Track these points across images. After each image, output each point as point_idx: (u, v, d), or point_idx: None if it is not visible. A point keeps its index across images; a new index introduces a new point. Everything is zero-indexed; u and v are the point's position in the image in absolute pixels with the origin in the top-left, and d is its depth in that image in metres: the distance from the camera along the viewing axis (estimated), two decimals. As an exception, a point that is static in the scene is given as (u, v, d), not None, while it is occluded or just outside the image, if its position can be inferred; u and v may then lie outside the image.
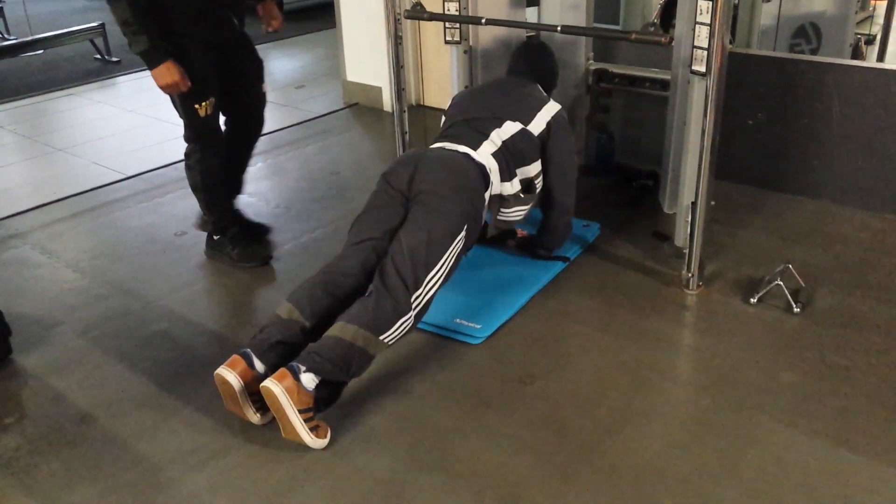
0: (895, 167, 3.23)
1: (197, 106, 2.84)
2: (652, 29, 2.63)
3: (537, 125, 2.74)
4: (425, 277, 2.29)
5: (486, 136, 2.64)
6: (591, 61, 3.72)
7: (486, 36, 3.42)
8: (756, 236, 3.17)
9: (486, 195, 2.56)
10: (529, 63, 3.04)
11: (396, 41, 3.33)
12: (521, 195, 2.73)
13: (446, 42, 3.36)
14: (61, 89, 5.86)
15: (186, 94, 2.79)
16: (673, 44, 2.81)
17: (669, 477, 1.99)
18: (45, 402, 2.41)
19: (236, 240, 3.13)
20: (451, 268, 2.39)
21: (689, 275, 2.78)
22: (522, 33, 3.55)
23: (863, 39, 4.13)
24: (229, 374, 2.12)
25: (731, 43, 3.08)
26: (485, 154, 2.59)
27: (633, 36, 2.69)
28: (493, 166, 2.60)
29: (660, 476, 1.99)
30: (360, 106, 5.19)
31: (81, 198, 3.92)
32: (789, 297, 2.66)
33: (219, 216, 3.12)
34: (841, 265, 2.93)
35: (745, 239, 3.15)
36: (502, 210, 2.72)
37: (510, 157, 2.66)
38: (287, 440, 2.12)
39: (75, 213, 3.76)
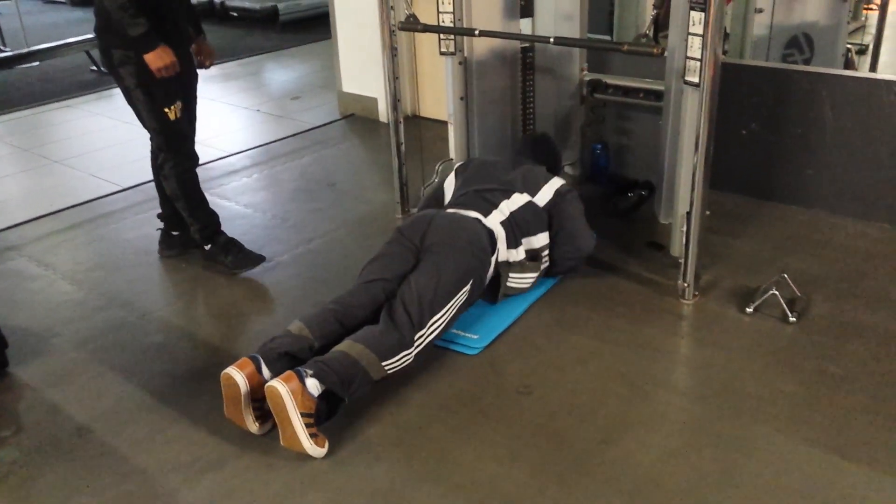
0: (889, 176, 3.25)
1: (167, 109, 2.89)
2: (644, 40, 2.65)
3: (543, 197, 2.90)
4: (429, 319, 2.39)
5: (496, 206, 2.82)
6: (586, 72, 3.74)
7: (480, 47, 3.44)
8: (751, 246, 3.19)
9: (493, 259, 2.68)
10: (534, 152, 3.26)
11: (392, 52, 3.35)
12: (527, 262, 2.83)
13: (441, 53, 3.38)
14: (57, 101, 5.88)
15: (156, 98, 2.86)
16: (666, 54, 2.83)
17: (667, 486, 1.99)
18: (41, 414, 2.40)
19: (228, 247, 3.15)
20: (452, 317, 2.50)
21: (685, 284, 2.79)
22: (517, 44, 3.57)
23: (854, 50, 4.16)
24: (237, 375, 2.15)
25: (723, 53, 3.11)
26: (493, 221, 2.76)
27: (626, 47, 2.71)
28: (500, 233, 2.75)
29: (657, 485, 2.00)
30: (356, 117, 5.21)
31: (78, 210, 3.92)
32: (785, 306, 2.67)
33: (204, 223, 3.13)
34: (836, 274, 2.95)
35: (740, 248, 3.16)
36: (511, 276, 2.79)
37: (516, 226, 2.81)
38: (284, 451, 2.12)
39: (72, 224, 3.76)
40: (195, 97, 3.18)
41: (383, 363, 2.26)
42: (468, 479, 2.04)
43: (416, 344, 2.35)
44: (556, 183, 2.95)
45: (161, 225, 3.32)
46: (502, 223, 2.77)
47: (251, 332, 2.77)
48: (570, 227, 2.90)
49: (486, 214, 2.76)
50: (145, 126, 3.00)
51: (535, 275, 2.85)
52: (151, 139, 3.04)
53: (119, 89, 2.98)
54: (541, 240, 2.87)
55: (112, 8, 2.71)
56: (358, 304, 2.44)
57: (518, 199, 2.86)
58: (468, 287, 2.54)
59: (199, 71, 3.19)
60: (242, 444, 2.20)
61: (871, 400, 2.27)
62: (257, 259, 3.18)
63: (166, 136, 2.96)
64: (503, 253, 2.76)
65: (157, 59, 2.78)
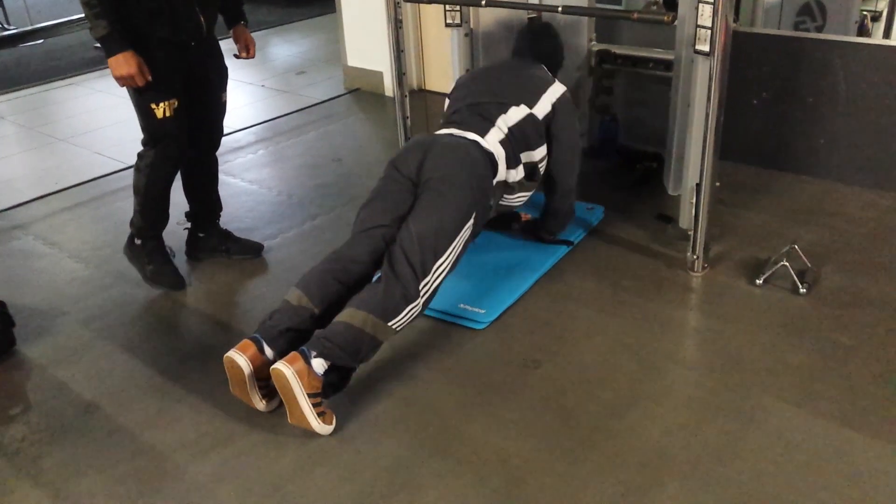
0: (902, 145, 3.20)
1: (153, 105, 2.61)
2: (654, 8, 2.60)
3: (542, 108, 2.71)
4: (433, 265, 2.29)
5: (493, 123, 2.63)
6: (594, 42, 3.68)
7: (486, 18, 3.40)
8: (761, 217, 3.15)
9: (494, 182, 2.57)
10: (533, 44, 3.00)
11: (397, 25, 3.31)
12: (525, 181, 2.73)
13: (447, 25, 3.34)
14: (62, 79, 5.85)
15: (143, 91, 2.58)
16: (676, 23, 2.78)
17: (675, 459, 1.98)
18: (49, 392, 2.41)
19: (153, 255, 2.90)
20: (458, 255, 2.39)
21: (694, 257, 2.76)
22: (524, 15, 3.52)
23: (868, 16, 4.08)
24: (239, 358, 2.13)
25: (735, 22, 3.05)
26: (492, 142, 2.59)
27: (636, 15, 2.66)
28: (500, 154, 2.60)
29: (665, 458, 1.99)
30: (362, 91, 5.17)
31: (83, 188, 3.91)
32: (795, 277, 2.64)
33: (148, 224, 2.87)
34: (847, 245, 2.91)
35: (750, 220, 3.13)
36: (505, 196, 2.71)
37: (516, 143, 2.65)
38: (292, 427, 2.12)
39: (77, 203, 3.75)
40: (216, 102, 2.89)
41: (389, 323, 2.19)
42: (475, 454, 2.04)
43: (421, 293, 2.25)
44: (556, 90, 2.75)
45: (188, 224, 3.10)
46: (501, 142, 2.60)
47: (258, 308, 2.76)
48: (561, 143, 2.75)
49: (483, 134, 2.58)
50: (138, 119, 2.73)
51: (529, 193, 2.77)
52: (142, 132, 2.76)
53: None
54: (539, 153, 2.73)
55: (80, 2, 2.43)
56: (356, 259, 2.33)
57: (516, 113, 2.66)
58: (471, 221, 2.40)
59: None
60: (250, 421, 2.20)
61: (881, 371, 2.24)
62: (177, 282, 2.90)
63: (150, 133, 2.69)
64: (502, 173, 2.61)
65: (118, 66, 2.48)
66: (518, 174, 2.69)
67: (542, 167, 2.78)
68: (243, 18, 2.93)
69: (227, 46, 2.93)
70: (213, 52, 2.82)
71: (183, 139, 2.75)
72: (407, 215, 2.37)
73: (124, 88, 2.60)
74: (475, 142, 2.55)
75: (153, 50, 2.55)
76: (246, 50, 2.97)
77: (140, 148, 2.78)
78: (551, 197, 2.89)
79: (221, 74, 2.89)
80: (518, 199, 2.77)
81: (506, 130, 2.63)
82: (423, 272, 2.26)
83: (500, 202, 2.72)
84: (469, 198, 2.41)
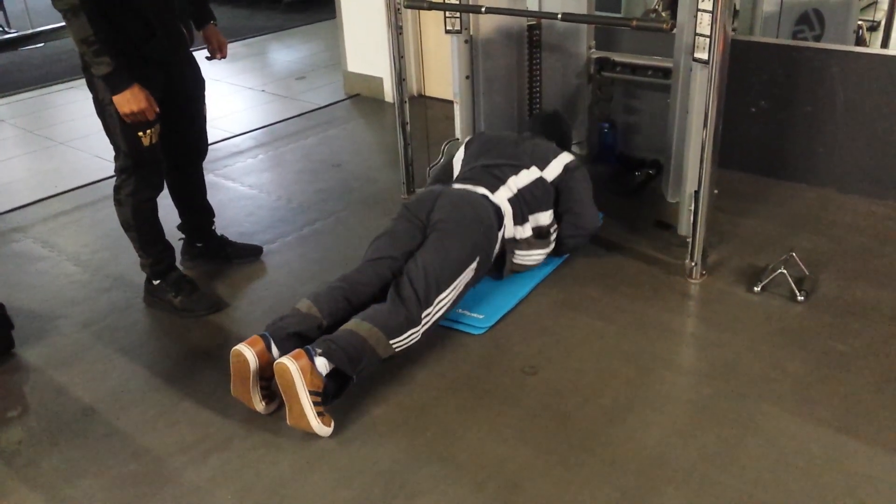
0: (899, 154, 3.21)
1: (141, 134, 2.50)
2: (653, 16, 2.62)
3: (552, 171, 2.86)
4: (436, 297, 2.39)
5: (503, 183, 2.78)
6: (593, 50, 3.70)
7: (486, 25, 3.41)
8: (759, 224, 3.16)
9: (499, 235, 2.67)
10: (544, 129, 3.21)
11: (397, 31, 3.32)
12: (534, 240, 2.81)
13: (447, 31, 3.35)
14: (62, 82, 5.86)
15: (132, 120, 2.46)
16: (675, 31, 2.79)
17: (672, 465, 1.98)
18: (47, 395, 2.41)
19: (178, 286, 2.78)
20: (459, 295, 2.49)
21: (693, 264, 2.77)
22: (523, 22, 3.53)
23: (864, 26, 4.10)
24: (248, 351, 2.15)
25: (733, 30, 3.06)
26: (501, 198, 2.73)
27: (635, 23, 2.68)
28: (507, 210, 2.72)
29: (663, 464, 1.99)
30: (362, 97, 5.18)
31: (83, 191, 3.92)
32: (793, 285, 2.65)
33: (155, 258, 2.77)
34: (845, 253, 2.92)
35: (748, 227, 3.14)
36: (517, 252, 2.78)
37: (524, 203, 2.78)
38: (291, 430, 2.12)
39: (77, 206, 3.76)
40: (198, 112, 2.81)
41: (391, 341, 2.26)
42: (473, 459, 2.04)
43: (423, 322, 2.35)
44: (565, 158, 2.91)
45: (182, 236, 3.05)
46: (510, 200, 2.74)
47: (257, 312, 2.77)
48: (577, 206, 2.88)
49: (493, 190, 2.74)
50: (112, 142, 2.60)
51: (543, 251, 2.84)
52: (115, 157, 2.62)
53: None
54: (548, 216, 2.85)
55: (74, 40, 2.30)
56: (365, 282, 2.43)
57: (526, 176, 2.82)
58: (475, 264, 2.52)
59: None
60: (248, 424, 2.20)
61: (878, 379, 2.25)
62: (215, 303, 2.80)
63: (135, 160, 2.56)
64: (510, 229, 2.74)
65: (126, 103, 2.38)
66: (525, 232, 2.79)
67: (553, 231, 2.87)
68: (212, 18, 2.85)
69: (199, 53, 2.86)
70: (191, 62, 2.75)
71: (163, 164, 2.67)
72: (415, 251, 2.48)
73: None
74: (484, 195, 2.70)
75: (139, 69, 2.43)
76: (219, 50, 2.88)
77: (114, 178, 2.66)
78: (566, 227, 2.91)
79: (200, 83, 2.80)
80: (531, 257, 2.82)
81: (515, 190, 2.77)
82: (426, 301, 2.35)
83: (514, 260, 2.78)
84: (474, 241, 2.54)
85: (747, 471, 1.95)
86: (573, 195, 2.87)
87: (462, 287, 2.49)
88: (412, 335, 2.32)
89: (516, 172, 2.81)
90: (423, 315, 2.34)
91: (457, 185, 2.78)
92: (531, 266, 2.83)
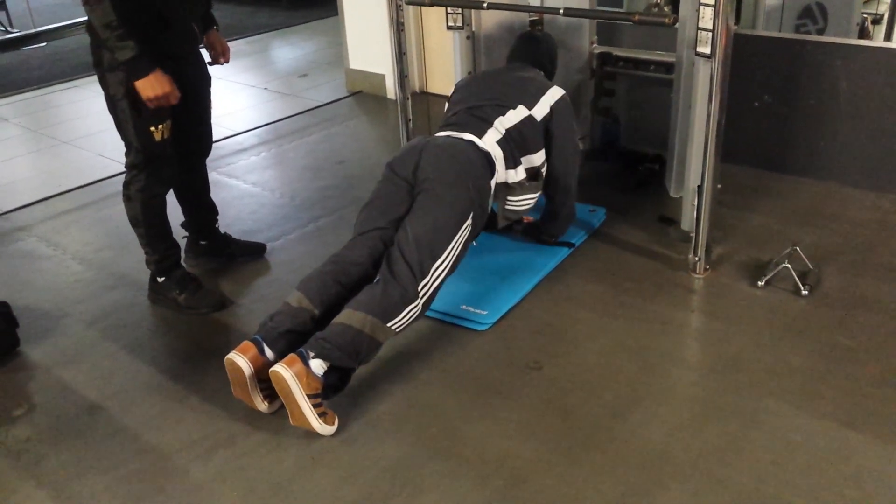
0: (903, 147, 3.20)
1: (153, 129, 2.51)
2: (655, 10, 2.61)
3: (540, 109, 2.73)
4: (431, 266, 2.29)
5: (490, 124, 2.64)
6: (595, 45, 3.69)
7: (488, 21, 3.40)
8: (763, 219, 3.15)
9: (492, 183, 2.57)
10: (530, 50, 3.04)
11: (399, 28, 3.31)
12: (527, 183, 2.73)
13: (448, 28, 3.35)
14: (65, 81, 5.87)
15: (144, 114, 2.48)
16: (677, 25, 2.78)
17: (677, 460, 1.98)
18: (53, 393, 2.42)
19: (183, 283, 2.79)
20: (457, 256, 2.39)
21: (696, 258, 2.76)
22: (525, 17, 3.52)
23: (869, 19, 4.08)
24: (240, 360, 2.13)
25: (735, 24, 3.05)
26: (489, 142, 2.59)
27: (637, 17, 2.67)
28: (497, 154, 2.60)
29: (667, 459, 1.99)
30: (364, 94, 5.18)
31: (87, 190, 3.93)
32: (797, 279, 2.64)
33: (162, 255, 2.77)
34: (849, 246, 2.92)
35: (751, 222, 3.13)
36: (509, 199, 2.72)
37: (514, 144, 2.66)
38: (294, 427, 2.13)
39: (81, 205, 3.77)
40: (205, 108, 2.84)
41: (388, 324, 2.19)
42: (477, 456, 2.04)
43: (420, 294, 2.25)
44: (555, 93, 2.76)
45: (186, 234, 3.05)
46: (499, 142, 2.60)
47: (261, 309, 2.76)
48: (560, 144, 2.75)
49: (480, 135, 2.58)
50: (123, 138, 2.61)
51: (535, 195, 2.76)
52: (126, 153, 2.63)
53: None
54: (541, 157, 2.74)
55: (97, 25, 2.31)
56: (356, 261, 2.34)
57: (514, 115, 2.66)
58: (469, 221, 2.41)
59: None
60: (252, 421, 2.21)
61: (883, 373, 2.25)
62: (219, 301, 2.80)
63: (146, 156, 2.57)
64: (501, 174, 2.61)
65: (150, 87, 2.38)
66: (518, 175, 2.68)
67: (543, 170, 2.79)
68: (215, 23, 2.85)
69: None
70: (199, 60, 2.78)
71: (174, 159, 2.68)
72: (405, 217, 2.38)
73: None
74: (471, 142, 2.56)
75: (157, 64, 2.44)
76: (222, 55, 2.88)
77: (124, 173, 2.68)
78: (551, 199, 2.90)
79: (207, 80, 2.83)
80: (523, 202, 2.76)
81: (503, 131, 2.64)
82: (421, 273, 2.26)
83: (506, 206, 2.72)
84: (465, 198, 2.42)
85: (752, 465, 1.95)
86: (557, 139, 2.75)
87: (459, 247, 2.38)
88: (412, 311, 2.24)
89: (503, 113, 2.66)
90: (419, 288, 2.25)
91: (441, 134, 2.62)
92: (523, 211, 2.76)
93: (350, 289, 2.29)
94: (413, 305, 2.24)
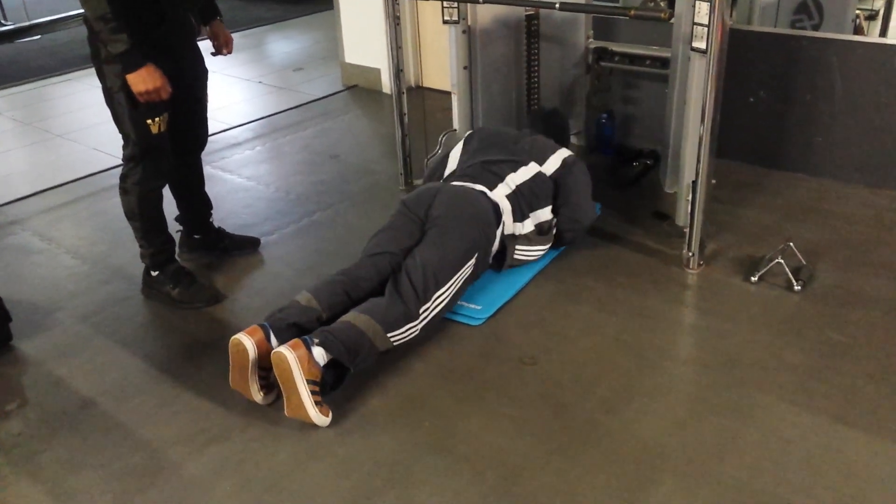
0: (897, 143, 3.21)
1: (150, 121, 2.50)
2: (651, 5, 2.61)
3: (551, 166, 2.88)
4: (434, 293, 2.40)
5: (502, 179, 2.79)
6: (591, 40, 3.69)
7: (484, 15, 3.40)
8: (757, 214, 3.16)
9: (498, 232, 2.68)
10: (543, 125, 3.26)
11: (394, 22, 3.31)
12: (534, 236, 2.82)
13: (444, 22, 3.34)
14: (59, 74, 5.84)
15: (141, 107, 2.47)
16: (673, 21, 2.78)
17: (670, 455, 1.99)
18: (46, 388, 2.41)
19: (177, 277, 2.79)
20: (457, 291, 2.50)
21: (690, 254, 2.77)
22: (521, 11, 3.52)
23: (862, 16, 4.09)
24: (247, 340, 2.15)
25: (731, 19, 3.05)
26: (499, 195, 2.74)
27: (633, 12, 2.67)
28: (506, 207, 2.73)
29: (661, 454, 1.99)
30: (359, 88, 5.17)
31: (81, 183, 3.91)
32: (790, 275, 2.65)
33: (157, 248, 2.77)
34: (842, 242, 2.92)
35: (746, 217, 3.14)
36: (518, 248, 2.78)
37: (523, 199, 2.79)
38: (289, 422, 2.13)
39: (75, 199, 3.75)
40: (201, 101, 2.82)
41: (389, 335, 2.26)
42: (472, 450, 2.04)
43: (421, 317, 2.35)
44: (563, 153, 2.93)
45: (180, 228, 3.05)
46: (508, 196, 2.75)
47: (255, 304, 2.77)
48: (573, 198, 2.88)
49: (491, 188, 2.74)
50: (120, 130, 2.59)
51: (543, 247, 2.84)
52: (124, 146, 2.62)
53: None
54: (549, 212, 2.86)
55: (91, 18, 2.31)
56: (364, 277, 2.44)
57: (525, 172, 2.83)
58: (472, 261, 2.53)
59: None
60: (247, 415, 2.21)
61: (876, 369, 2.25)
62: (214, 295, 2.80)
63: (142, 148, 2.56)
64: (509, 226, 2.75)
65: (141, 81, 2.38)
66: (526, 228, 2.80)
67: (553, 226, 2.87)
68: (219, 14, 2.84)
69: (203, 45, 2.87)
70: (196, 51, 2.76)
71: (170, 152, 2.66)
72: (413, 248, 2.49)
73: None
74: (482, 192, 2.71)
75: (150, 58, 2.43)
76: (225, 46, 2.87)
77: (121, 166, 2.66)
78: (561, 236, 2.92)
79: (204, 73, 2.81)
80: (532, 252, 2.83)
81: (513, 187, 2.78)
82: (424, 297, 2.36)
83: (515, 256, 2.79)
84: (472, 238, 2.55)
85: (745, 460, 1.96)
86: (570, 188, 2.87)
87: (461, 283, 2.50)
88: (410, 330, 2.33)
89: (515, 169, 2.83)
90: (421, 311, 2.35)
91: (455, 182, 2.78)
92: (531, 261, 2.84)
93: (356, 301, 2.38)
94: (413, 324, 2.33)
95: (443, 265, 2.44)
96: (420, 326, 2.36)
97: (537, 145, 2.95)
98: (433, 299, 2.39)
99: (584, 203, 2.91)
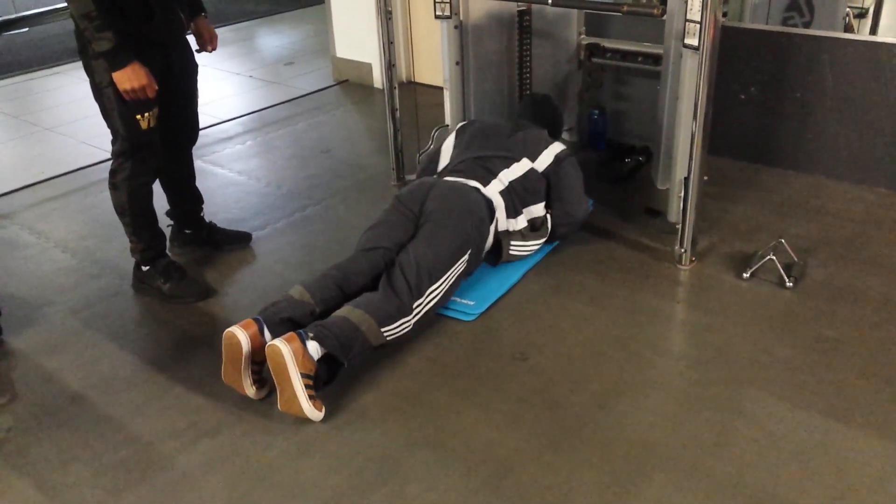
0: (888, 141, 3.22)
1: (139, 117, 2.50)
2: (644, 1, 2.61)
3: (543, 162, 2.87)
4: (428, 288, 2.40)
5: (495, 176, 2.79)
6: (583, 36, 3.69)
7: (476, 10, 3.39)
8: (749, 211, 3.17)
9: (491, 228, 2.68)
10: (535, 113, 3.22)
11: (386, 16, 3.30)
12: (528, 232, 2.83)
13: (436, 17, 3.32)
14: (48, 67, 5.80)
15: (130, 103, 2.46)
16: (665, 17, 2.78)
17: (661, 450, 2.00)
18: (36, 382, 2.40)
19: (167, 272, 2.77)
20: (450, 287, 2.50)
21: (682, 250, 2.77)
22: (513, 7, 3.51)
23: (851, 14, 4.10)
24: (241, 333, 2.15)
25: (723, 16, 3.06)
26: (492, 191, 2.75)
27: (625, 8, 2.67)
28: (499, 203, 2.74)
29: (652, 449, 2.00)
30: (351, 83, 5.15)
31: (70, 177, 3.89)
32: (782, 271, 2.66)
33: (148, 243, 2.76)
34: (833, 239, 2.94)
35: (737, 214, 3.15)
36: (513, 243, 2.79)
37: (516, 196, 2.80)
38: (281, 416, 2.12)
39: (64, 192, 3.73)
40: (192, 96, 2.82)
41: (382, 329, 2.26)
42: (464, 445, 2.05)
43: (414, 312, 2.35)
44: (555, 148, 2.93)
45: (171, 222, 3.04)
46: (501, 193, 2.76)
47: (246, 299, 2.76)
48: (566, 194, 2.89)
49: (485, 184, 2.74)
50: (109, 126, 2.58)
51: (537, 242, 2.85)
52: (113, 142, 2.61)
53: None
54: (542, 208, 2.87)
55: (76, 15, 2.29)
56: (358, 271, 2.44)
57: (517, 168, 2.83)
58: (466, 256, 2.53)
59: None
60: (239, 410, 2.20)
61: (867, 364, 2.27)
62: (203, 290, 2.79)
63: (132, 143, 2.55)
64: (503, 222, 2.75)
65: (127, 79, 2.38)
66: (519, 224, 2.81)
67: (547, 221, 2.88)
68: (203, 10, 2.82)
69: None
70: (186, 46, 2.75)
71: (160, 147, 2.64)
72: (407, 243, 2.49)
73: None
74: (476, 188, 2.71)
75: (137, 50, 2.41)
76: (209, 42, 2.84)
77: (111, 161, 2.65)
78: (554, 231, 2.92)
79: (194, 67, 2.79)
80: (526, 248, 2.83)
81: (506, 183, 2.79)
82: (417, 292, 2.36)
83: (510, 251, 2.79)
84: (466, 233, 2.55)
85: (736, 455, 1.97)
86: (563, 184, 2.88)
87: (454, 279, 2.50)
88: (403, 325, 2.33)
89: (508, 165, 2.83)
90: (414, 305, 2.35)
91: (449, 178, 2.78)
92: (526, 256, 2.84)
93: (349, 296, 2.37)
94: (406, 319, 2.33)
95: (436, 260, 2.44)
96: (413, 321, 2.36)
97: (530, 140, 2.94)
98: (427, 294, 2.39)
99: (577, 198, 2.91)
